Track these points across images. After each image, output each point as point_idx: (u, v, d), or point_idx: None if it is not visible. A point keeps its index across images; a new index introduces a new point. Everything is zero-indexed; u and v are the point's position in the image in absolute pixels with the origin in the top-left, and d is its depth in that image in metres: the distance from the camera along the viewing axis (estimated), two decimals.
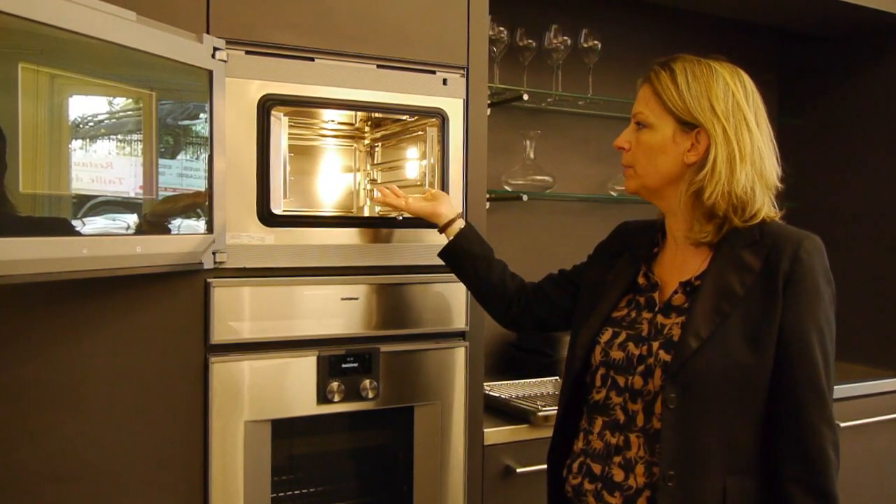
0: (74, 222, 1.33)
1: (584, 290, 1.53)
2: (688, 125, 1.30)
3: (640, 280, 1.41)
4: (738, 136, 1.28)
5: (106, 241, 1.38)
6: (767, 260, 1.26)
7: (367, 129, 2.22)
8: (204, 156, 1.62)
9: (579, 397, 1.44)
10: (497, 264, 1.70)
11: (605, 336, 1.38)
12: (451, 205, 1.78)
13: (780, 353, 1.24)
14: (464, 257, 1.71)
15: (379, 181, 2.22)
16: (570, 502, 1.42)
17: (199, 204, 1.61)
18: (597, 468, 1.36)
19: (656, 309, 1.36)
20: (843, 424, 2.61)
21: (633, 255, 1.45)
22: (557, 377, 2.41)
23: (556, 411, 1.51)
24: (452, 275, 1.90)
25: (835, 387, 2.66)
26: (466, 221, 1.76)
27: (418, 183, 2.02)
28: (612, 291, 1.43)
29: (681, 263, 1.37)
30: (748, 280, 1.26)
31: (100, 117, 1.40)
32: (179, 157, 1.58)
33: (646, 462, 1.29)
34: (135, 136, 1.46)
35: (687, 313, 1.29)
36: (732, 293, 1.26)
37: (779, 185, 1.35)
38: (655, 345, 1.30)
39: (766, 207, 1.32)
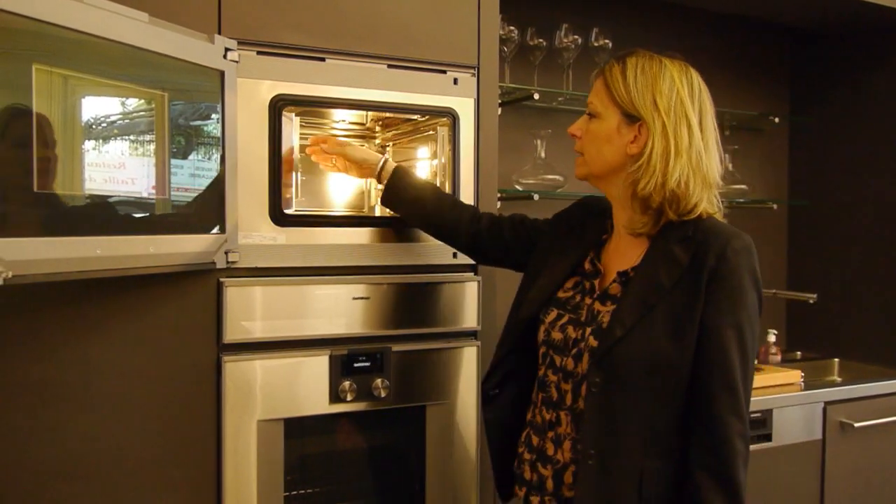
0: (88, 222, 1.34)
1: (536, 255, 1.58)
2: (631, 117, 1.36)
3: (587, 265, 1.46)
4: (676, 132, 1.33)
5: (119, 241, 1.39)
6: (695, 255, 1.31)
7: (378, 128, 2.23)
8: (216, 156, 1.62)
9: (516, 361, 1.52)
10: (434, 206, 1.74)
11: (550, 317, 1.45)
12: (367, 152, 1.85)
13: (698, 347, 1.28)
14: (397, 206, 1.79)
15: None
16: (513, 471, 1.51)
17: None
18: (535, 440, 1.45)
19: (595, 296, 1.41)
20: (857, 424, 2.60)
21: (583, 239, 1.50)
22: None
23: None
24: (464, 274, 1.92)
25: (850, 386, 2.68)
26: (396, 166, 1.80)
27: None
28: (557, 269, 1.49)
29: (622, 253, 1.42)
30: (675, 274, 1.31)
31: (112, 118, 1.41)
32: (191, 157, 1.59)
33: (572, 439, 1.38)
34: (147, 137, 1.47)
35: (618, 302, 1.35)
36: (660, 286, 1.31)
37: (720, 182, 1.38)
38: (588, 330, 1.37)
39: (704, 203, 1.34)
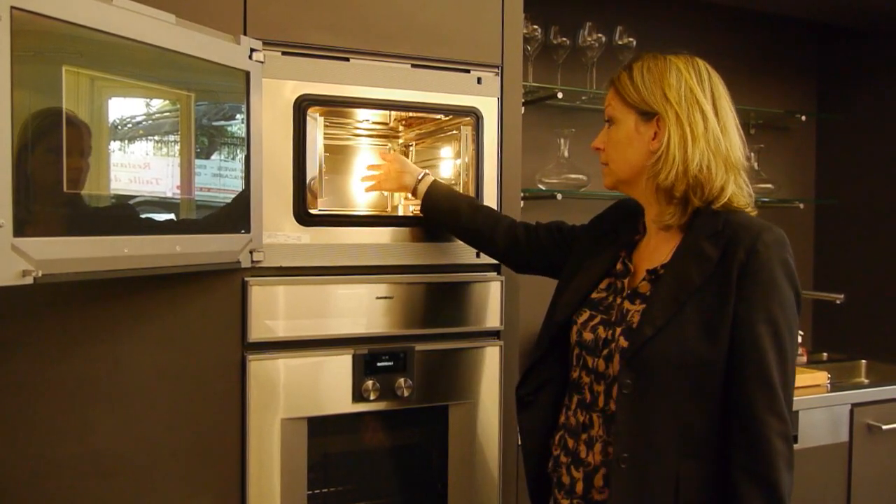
0: (115, 222, 1.36)
1: (573, 258, 1.58)
2: (646, 114, 1.37)
3: (619, 266, 1.46)
4: (690, 119, 1.33)
5: (146, 240, 1.40)
6: (725, 250, 1.29)
7: (401, 128, 2.23)
8: (240, 156, 1.64)
9: (552, 366, 1.50)
10: (469, 217, 1.76)
11: (583, 317, 1.44)
12: (410, 169, 1.90)
13: (732, 344, 1.26)
14: (434, 217, 1.83)
15: None
16: (549, 476, 1.49)
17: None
18: (570, 443, 1.43)
19: (624, 294, 1.41)
20: (885, 427, 2.57)
21: (616, 241, 1.50)
22: None
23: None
24: (487, 273, 1.91)
25: (877, 388, 2.64)
26: (433, 180, 1.85)
27: (453, 182, 2.02)
28: (593, 272, 1.49)
29: (652, 251, 1.42)
30: (706, 270, 1.29)
31: (138, 118, 1.42)
32: (216, 157, 1.60)
33: (603, 442, 1.36)
34: (172, 137, 1.48)
35: (648, 301, 1.33)
36: (690, 283, 1.29)
37: (745, 162, 1.38)
38: (618, 330, 1.36)
39: (731, 186, 1.34)
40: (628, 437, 1.29)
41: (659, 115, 1.35)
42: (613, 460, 1.30)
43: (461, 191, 1.94)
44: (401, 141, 2.25)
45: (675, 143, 1.32)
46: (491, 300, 1.92)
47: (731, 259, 1.27)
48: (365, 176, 2.05)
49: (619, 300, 1.41)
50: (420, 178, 1.86)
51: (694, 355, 1.26)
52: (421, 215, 1.85)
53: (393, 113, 2.14)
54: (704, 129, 1.33)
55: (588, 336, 1.41)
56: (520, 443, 1.58)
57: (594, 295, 1.46)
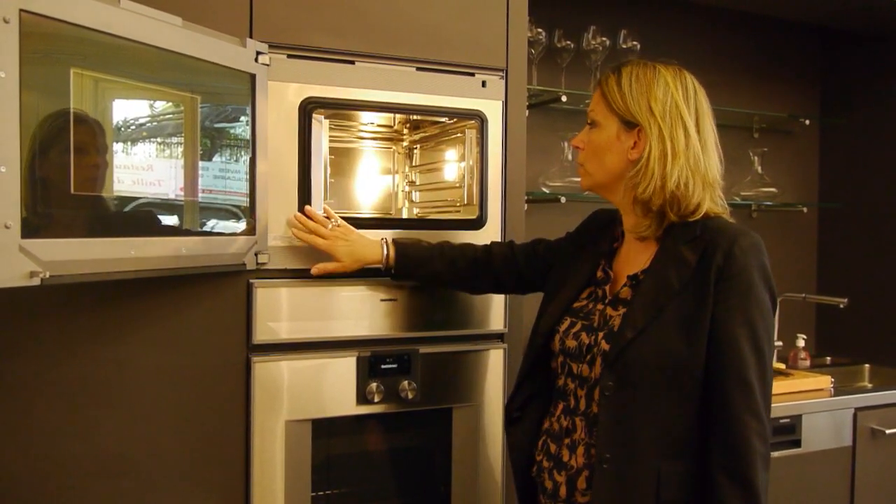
0: (123, 224, 1.36)
1: (553, 273, 1.60)
2: (629, 124, 1.37)
3: (599, 273, 1.48)
4: (672, 135, 1.34)
5: (153, 242, 1.41)
6: (703, 255, 1.32)
7: (405, 131, 2.23)
8: (245, 158, 1.64)
9: (539, 379, 1.51)
10: (445, 267, 1.72)
11: (564, 326, 1.46)
12: (366, 244, 1.73)
13: (711, 346, 1.29)
14: (410, 279, 1.78)
15: (417, 183, 2.23)
16: (533, 481, 1.50)
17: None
18: (553, 448, 1.45)
19: (606, 301, 1.42)
20: (888, 431, 2.57)
21: (595, 249, 1.52)
22: None
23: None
24: None
25: (881, 392, 2.63)
26: (393, 244, 1.73)
27: (457, 185, 2.02)
28: (573, 282, 1.50)
29: (632, 258, 1.44)
30: (685, 274, 1.32)
31: (142, 120, 1.42)
32: (221, 159, 1.61)
33: (586, 444, 1.38)
34: (176, 139, 1.49)
35: (629, 305, 1.35)
36: (669, 287, 1.32)
37: (721, 181, 1.40)
38: (600, 335, 1.37)
39: (707, 203, 1.36)
40: (610, 438, 1.31)
41: (641, 127, 1.35)
42: (596, 461, 1.32)
43: (464, 193, 1.94)
44: (405, 144, 2.25)
45: (655, 158, 1.34)
46: (494, 303, 1.92)
47: (708, 263, 1.30)
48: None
49: (600, 306, 1.42)
50: (384, 247, 1.72)
51: (673, 357, 1.29)
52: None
53: (397, 116, 2.15)
54: (686, 145, 1.34)
55: (571, 343, 1.42)
56: (509, 457, 1.58)
57: (575, 304, 1.47)
